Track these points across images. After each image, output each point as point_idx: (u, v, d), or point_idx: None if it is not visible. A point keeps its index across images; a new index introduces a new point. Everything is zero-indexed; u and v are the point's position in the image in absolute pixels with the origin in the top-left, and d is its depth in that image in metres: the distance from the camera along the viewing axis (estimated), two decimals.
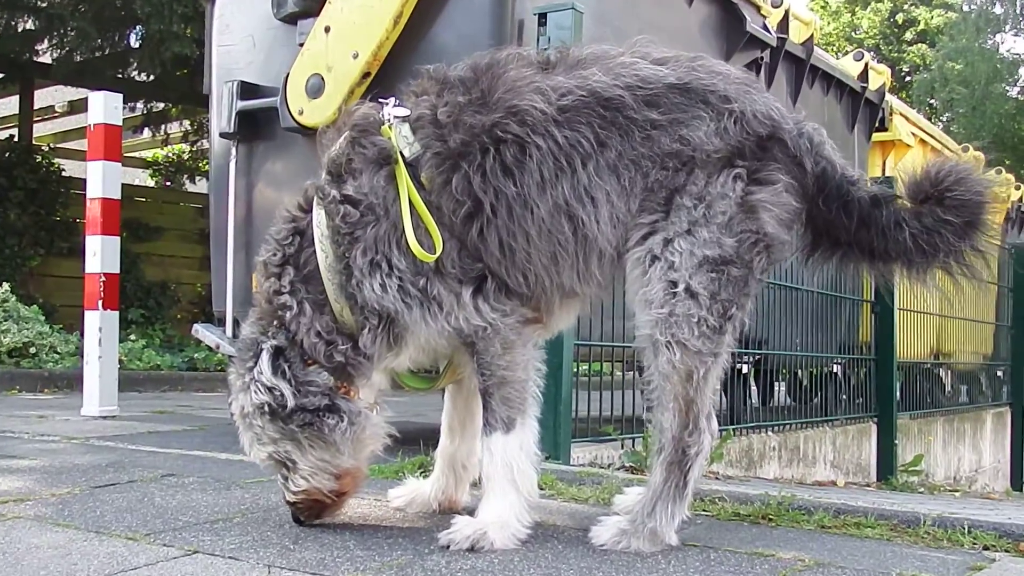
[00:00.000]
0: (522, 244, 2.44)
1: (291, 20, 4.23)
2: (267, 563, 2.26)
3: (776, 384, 6.01)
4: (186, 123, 14.75)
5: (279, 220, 2.65)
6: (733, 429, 4.91)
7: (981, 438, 8.46)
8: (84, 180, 12.44)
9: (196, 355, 9.48)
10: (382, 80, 3.95)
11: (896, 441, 6.25)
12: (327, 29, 3.98)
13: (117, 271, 5.41)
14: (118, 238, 5.42)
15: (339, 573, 2.19)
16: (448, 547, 2.40)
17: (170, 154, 16.37)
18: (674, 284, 2.41)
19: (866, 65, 6.72)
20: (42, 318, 8.98)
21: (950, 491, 6.15)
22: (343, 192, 2.50)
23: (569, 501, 3.04)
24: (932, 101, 28.58)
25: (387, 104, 2.57)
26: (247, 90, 4.32)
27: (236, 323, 4.37)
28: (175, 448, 4.15)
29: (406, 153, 2.49)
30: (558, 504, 2.98)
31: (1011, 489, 8.29)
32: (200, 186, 15.16)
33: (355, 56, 3.92)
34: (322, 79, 3.95)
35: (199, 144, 14.97)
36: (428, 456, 3.47)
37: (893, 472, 6.14)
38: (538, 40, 3.69)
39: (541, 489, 3.21)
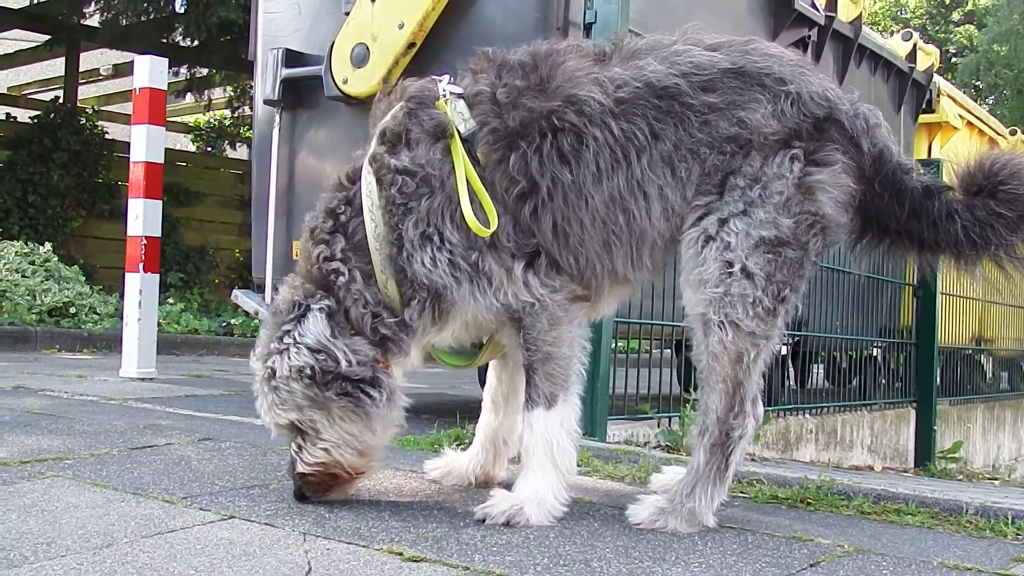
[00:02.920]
0: (576, 230, 2.45)
1: None
2: (303, 531, 2.27)
3: (814, 366, 5.95)
4: (229, 89, 14.80)
5: (329, 188, 2.64)
6: (771, 411, 4.87)
7: (1022, 426, 8.35)
8: (127, 143, 12.62)
9: (233, 320, 9.55)
10: (427, 51, 3.93)
11: (935, 427, 6.17)
12: None
13: (158, 235, 5.44)
14: (160, 202, 5.44)
15: (374, 543, 2.19)
16: (484, 521, 2.40)
17: (212, 119, 16.47)
18: (730, 264, 2.39)
19: (914, 45, 6.60)
20: (82, 279, 9.08)
21: (989, 479, 6.08)
22: (400, 162, 2.49)
23: (605, 479, 3.02)
24: (977, 83, 28.07)
25: (441, 80, 2.56)
26: (292, 58, 4.29)
27: (276, 290, 4.36)
28: (211, 412, 4.17)
29: (461, 129, 2.48)
30: (594, 482, 2.96)
31: None
32: (241, 152, 15.25)
33: (400, 26, 3.89)
34: (367, 48, 3.93)
35: (241, 111, 15.02)
36: (464, 428, 3.47)
37: (931, 458, 6.07)
38: (584, 14, 3.65)
39: (578, 466, 3.21)
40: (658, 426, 4.10)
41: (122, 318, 8.46)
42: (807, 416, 5.21)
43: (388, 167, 2.50)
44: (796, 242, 2.41)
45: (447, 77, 2.60)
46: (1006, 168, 2.44)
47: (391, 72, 3.91)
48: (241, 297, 4.47)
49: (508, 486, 2.73)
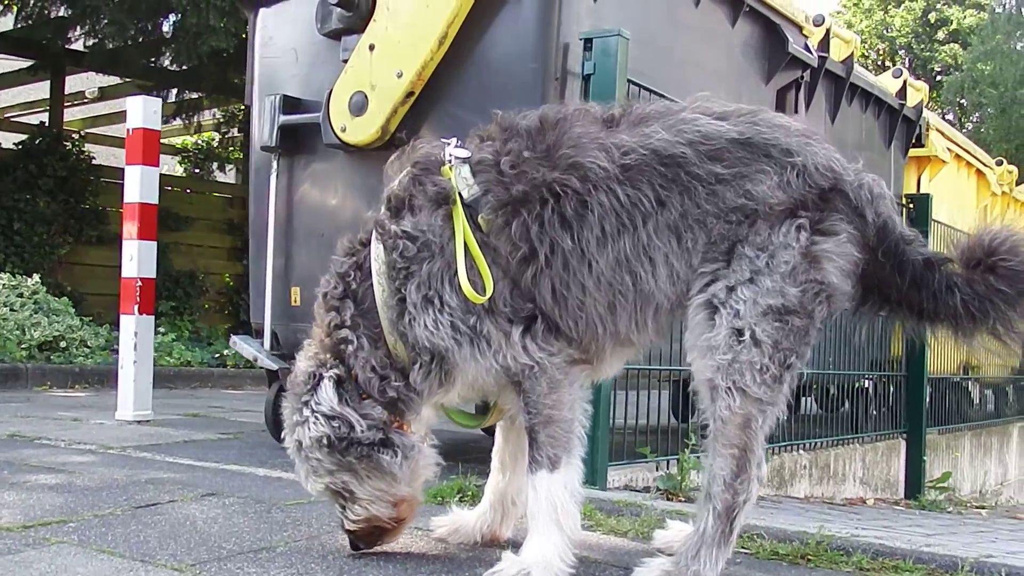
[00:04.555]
0: (576, 293, 2.48)
1: (335, 36, 4.22)
2: None
3: (804, 398, 5.99)
4: (218, 112, 14.80)
5: (339, 252, 2.69)
6: (767, 448, 4.91)
7: (1007, 451, 8.42)
8: (114, 168, 12.61)
9: (226, 351, 9.54)
10: (425, 100, 3.97)
11: (925, 457, 6.23)
12: (371, 47, 3.99)
13: (153, 276, 5.45)
14: (155, 243, 5.46)
15: None
16: None
17: (199, 141, 16.44)
18: (740, 332, 2.42)
19: (904, 82, 6.69)
20: (72, 311, 9.06)
21: (977, 507, 6.13)
22: (401, 227, 2.53)
23: (608, 534, 3.05)
24: (962, 101, 28.32)
25: (449, 144, 2.60)
26: (290, 104, 4.32)
27: (274, 335, 4.40)
28: (212, 462, 4.18)
29: (465, 194, 2.52)
30: (597, 537, 2.99)
31: None
32: (230, 176, 15.22)
33: (399, 75, 3.92)
34: (365, 97, 3.96)
35: (229, 134, 15.01)
36: (467, 479, 3.49)
37: (921, 488, 6.12)
38: (583, 66, 3.69)
39: (581, 519, 3.24)
40: (656, 469, 4.13)
41: (114, 351, 8.53)
42: (801, 452, 5.25)
43: (390, 232, 2.55)
44: (802, 310, 2.44)
45: (454, 141, 2.64)
46: (1005, 244, 2.48)
47: (390, 121, 3.94)
48: (240, 344, 4.48)
49: (515, 545, 2.77)
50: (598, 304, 2.50)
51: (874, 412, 6.50)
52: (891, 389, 6.47)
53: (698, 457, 4.02)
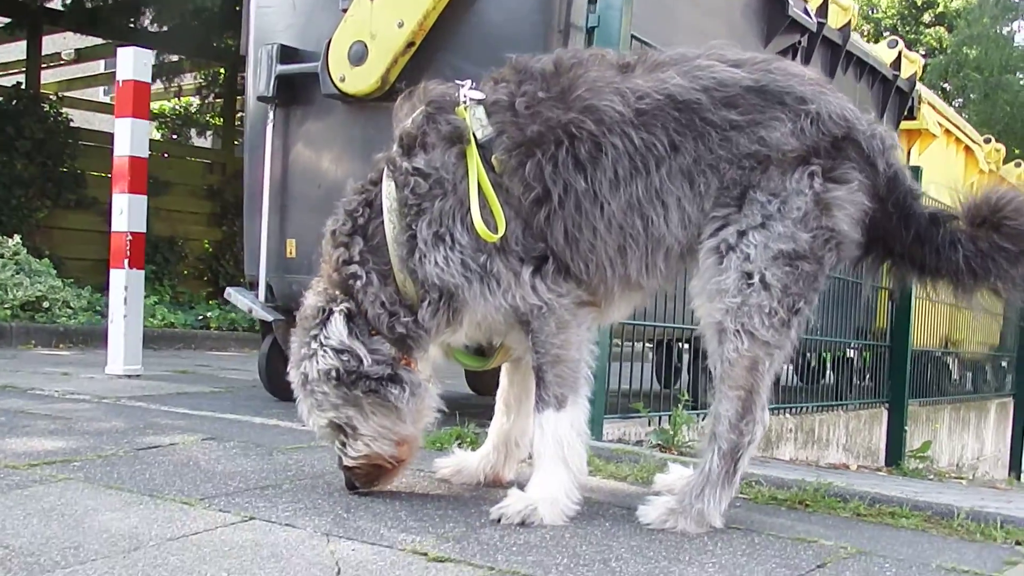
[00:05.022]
0: (587, 236, 2.51)
1: None
2: (324, 532, 2.31)
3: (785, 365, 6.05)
4: (198, 76, 14.65)
5: (349, 191, 2.71)
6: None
7: (984, 427, 8.55)
8: (91, 131, 12.47)
9: (209, 314, 9.51)
10: (426, 51, 3.96)
11: (906, 427, 6.32)
12: None
13: (144, 230, 5.42)
14: (145, 197, 5.43)
15: (397, 543, 2.24)
16: (499, 520, 2.46)
17: (177, 107, 16.27)
18: (749, 275, 2.46)
19: (899, 53, 6.72)
20: (53, 272, 8.98)
21: (956, 478, 6.22)
22: (413, 164, 2.55)
23: (608, 478, 3.09)
24: (945, 85, 28.42)
25: (463, 86, 2.62)
26: (286, 54, 4.30)
27: (269, 288, 4.40)
28: (207, 411, 4.18)
29: (479, 135, 2.54)
30: (599, 481, 3.03)
31: (1012, 478, 8.37)
32: (209, 141, 15.09)
33: (400, 25, 3.92)
34: (365, 47, 3.95)
35: (209, 98, 14.87)
36: (464, 427, 3.52)
37: (902, 457, 6.21)
38: (587, 18, 3.70)
39: None
40: (648, 424, 4.17)
41: (100, 312, 8.48)
42: (787, 416, 5.32)
43: (402, 169, 2.57)
44: (812, 256, 2.48)
45: (469, 82, 2.66)
46: (1011, 204, 2.53)
47: (390, 71, 3.94)
48: (234, 295, 4.47)
49: (519, 487, 2.80)
50: (608, 247, 2.53)
51: (857, 381, 6.58)
52: (873, 358, 6.55)
53: (691, 413, 4.08)
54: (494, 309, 2.55)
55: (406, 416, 2.61)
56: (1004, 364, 9.59)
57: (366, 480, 2.70)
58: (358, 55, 3.96)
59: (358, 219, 2.64)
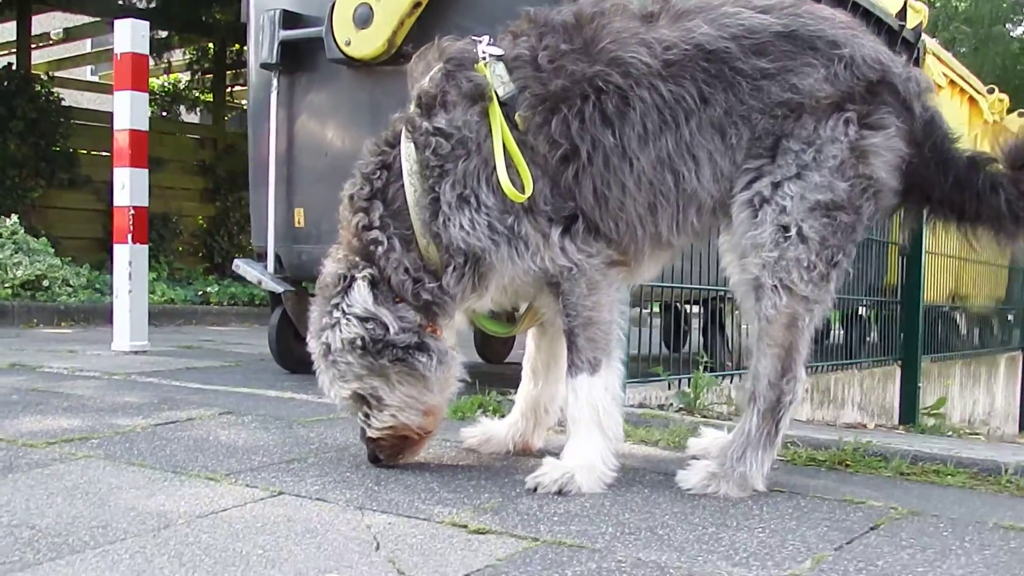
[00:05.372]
0: (617, 193, 2.43)
1: None
2: (357, 505, 2.24)
3: None
4: (188, 52, 14.47)
5: (366, 154, 2.61)
6: None
7: (995, 382, 8.50)
8: (83, 110, 12.32)
9: (209, 289, 9.41)
10: (432, 11, 3.85)
11: (920, 384, 6.26)
12: None
13: (146, 204, 5.32)
14: (146, 171, 5.32)
15: (434, 516, 2.17)
16: (536, 490, 2.39)
17: (166, 83, 16.08)
18: (786, 228, 2.38)
19: (905, 3, 6.60)
20: (51, 251, 8.88)
21: (971, 434, 6.18)
22: (434, 124, 2.46)
23: (639, 444, 3.02)
24: (935, 38, 28.18)
25: (481, 41, 2.52)
26: (289, 19, 4.18)
27: (278, 259, 4.30)
28: (219, 385, 4.11)
29: (500, 92, 2.46)
30: (630, 447, 2.96)
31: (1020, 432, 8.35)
32: (198, 116, 14.92)
33: None
34: (370, 9, 3.83)
35: (199, 74, 14.69)
36: (486, 395, 3.45)
37: (916, 415, 6.15)
38: None
39: None
40: (668, 387, 4.10)
41: (100, 290, 8.39)
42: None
43: (422, 129, 2.48)
44: (850, 206, 2.40)
45: (487, 38, 2.56)
46: None
47: (396, 33, 3.82)
48: (243, 267, 4.37)
49: (546, 455, 2.73)
50: (639, 204, 2.45)
51: (869, 339, 6.51)
52: (885, 316, 6.48)
53: (712, 376, 4.01)
54: (522, 272, 2.48)
55: (433, 385, 2.53)
56: (1010, 318, 9.54)
57: (392, 452, 2.62)
58: (363, 18, 3.85)
59: (376, 183, 2.55)
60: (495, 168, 2.41)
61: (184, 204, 13.31)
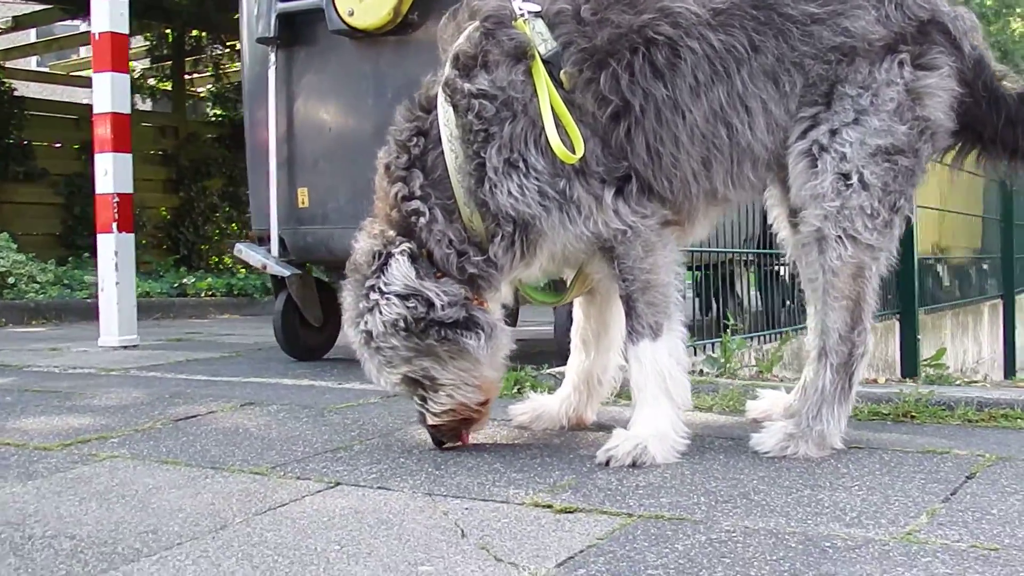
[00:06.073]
0: (670, 148, 2.33)
1: None
2: (425, 492, 2.11)
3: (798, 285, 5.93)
4: (147, 38, 14.06)
5: (399, 120, 2.47)
6: (789, 331, 4.83)
7: (980, 330, 8.53)
8: (36, 100, 11.92)
9: (185, 280, 9.17)
10: None
11: (919, 336, 6.23)
12: None
13: (131, 191, 5.10)
14: (130, 156, 5.10)
15: (511, 498, 2.04)
16: (608, 463, 2.28)
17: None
18: (847, 176, 2.29)
19: None
20: (14, 246, 8.58)
21: (971, 383, 6.16)
22: (476, 86, 2.32)
23: (693, 411, 2.90)
24: None
25: None
26: None
27: (281, 242, 4.13)
28: (228, 376, 3.94)
29: (541, 50, 2.33)
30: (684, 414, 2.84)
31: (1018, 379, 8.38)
32: (161, 105, 14.53)
33: None
34: None
35: (157, 63, 14.30)
36: (522, 371, 3.32)
37: (917, 367, 6.12)
38: None
39: None
40: (694, 353, 4.00)
41: (69, 286, 8.10)
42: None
43: (463, 92, 2.33)
44: (910, 149, 2.32)
45: None
46: None
47: (402, 2, 3.66)
48: (245, 251, 4.19)
49: (601, 428, 2.62)
50: (692, 159, 2.34)
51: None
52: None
53: (743, 338, 3.92)
54: (575, 238, 2.35)
55: (484, 359, 2.39)
56: (985, 267, 9.58)
57: (453, 434, 2.49)
58: None
59: (414, 150, 2.40)
60: (543, 129, 2.28)
61: (146, 196, 12.95)
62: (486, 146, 2.32)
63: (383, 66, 3.85)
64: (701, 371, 3.69)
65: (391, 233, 2.38)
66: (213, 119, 13.94)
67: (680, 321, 2.40)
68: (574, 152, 2.27)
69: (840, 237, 2.31)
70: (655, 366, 2.35)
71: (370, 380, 2.47)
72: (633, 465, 2.26)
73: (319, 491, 2.15)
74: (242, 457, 2.47)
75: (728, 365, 3.68)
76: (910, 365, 6.18)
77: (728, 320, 3.96)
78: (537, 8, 2.39)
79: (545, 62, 2.32)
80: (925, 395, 2.76)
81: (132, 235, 5.11)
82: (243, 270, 10.44)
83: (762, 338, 4.75)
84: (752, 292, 5.57)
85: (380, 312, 2.32)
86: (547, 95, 2.29)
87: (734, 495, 2.01)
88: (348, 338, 2.47)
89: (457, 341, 2.33)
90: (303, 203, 4.05)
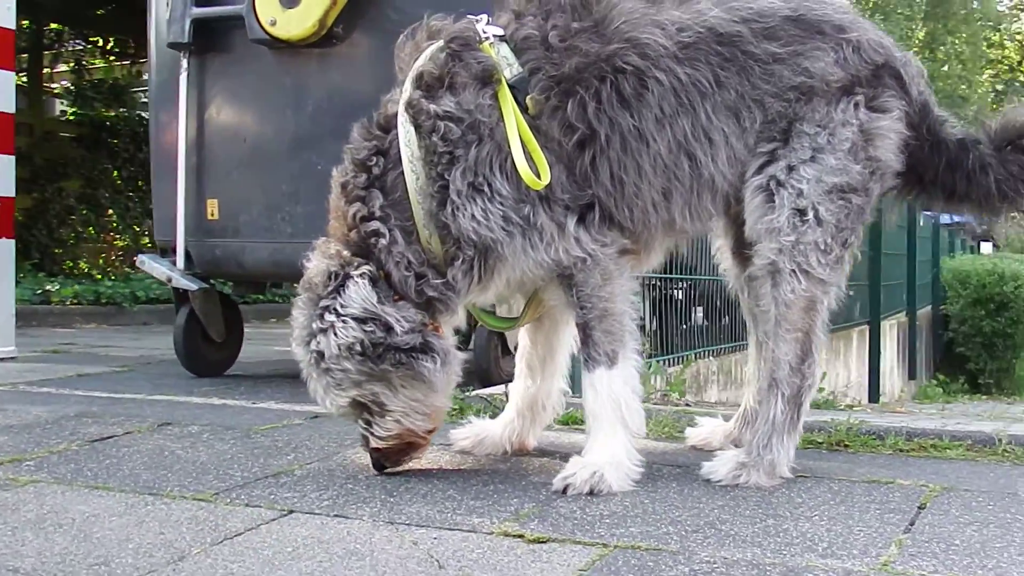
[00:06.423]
0: (633, 177, 2.34)
1: None
2: (387, 520, 2.06)
3: (694, 308, 6.07)
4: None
5: (356, 138, 2.40)
6: (689, 355, 4.93)
7: (850, 355, 8.89)
8: None
9: (48, 287, 8.72)
10: None
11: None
12: None
13: (12, 194, 4.83)
14: (12, 157, 4.82)
15: (478, 527, 2.01)
16: (565, 491, 2.26)
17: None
18: (803, 212, 2.34)
19: None
20: None
21: (848, 407, 6.41)
22: (442, 108, 2.28)
23: None
24: None
25: (479, 20, 2.37)
26: None
27: (187, 255, 3.97)
28: (130, 393, 3.76)
29: (506, 74, 2.31)
30: None
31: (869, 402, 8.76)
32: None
33: None
34: None
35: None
36: (461, 394, 3.29)
37: None
38: None
39: (581, 424, 3.10)
40: None
41: None
42: (711, 358, 5.31)
43: (428, 113, 2.30)
44: (862, 188, 2.40)
45: (485, 17, 2.41)
46: None
47: (328, 13, 3.57)
48: (148, 263, 4.00)
49: (543, 453, 2.63)
50: (654, 189, 2.37)
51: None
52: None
53: (658, 362, 3.97)
54: (535, 264, 2.34)
55: (438, 386, 2.36)
56: (851, 293, 10.01)
57: (396, 459, 2.44)
58: None
59: (373, 169, 2.35)
60: (509, 154, 2.27)
61: None
62: (450, 168, 2.28)
63: (304, 78, 3.75)
64: (662, 395, 3.72)
65: (347, 254, 2.33)
66: (72, 118, 13.35)
67: (634, 349, 2.41)
68: (540, 178, 2.26)
69: (794, 271, 2.36)
70: (611, 394, 2.35)
71: (314, 401, 2.40)
72: (591, 493, 2.25)
73: (273, 519, 2.07)
74: (178, 482, 2.36)
75: (648, 390, 3.72)
76: None
77: (644, 345, 4.01)
78: (500, 32, 2.38)
79: (511, 86, 2.31)
80: (855, 425, 2.84)
81: (12, 240, 4.83)
82: (105, 278, 10.01)
83: (666, 361, 4.83)
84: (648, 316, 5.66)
85: (335, 334, 2.26)
86: (514, 120, 2.27)
87: (701, 524, 2.03)
88: (295, 356, 2.39)
89: (412, 367, 2.29)
90: (212, 215, 3.91)
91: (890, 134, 2.41)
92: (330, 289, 2.30)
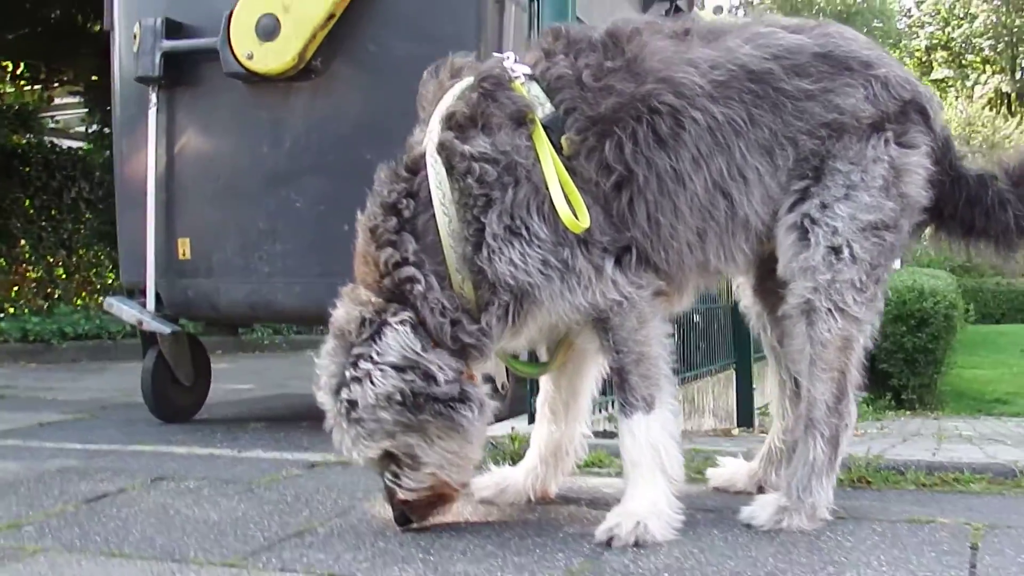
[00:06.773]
0: (670, 219, 2.31)
1: None
2: None
3: None
4: None
5: (383, 180, 2.32)
6: None
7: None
8: None
9: None
10: (346, 23, 3.53)
11: (754, 386, 6.49)
12: None
13: None
14: None
15: None
16: (610, 543, 2.20)
17: None
18: (838, 250, 2.33)
19: None
20: None
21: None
22: (476, 148, 2.22)
23: None
24: None
25: (507, 59, 2.32)
26: (172, 28, 3.69)
27: (158, 296, 3.80)
28: (103, 444, 3.57)
29: (538, 114, 2.25)
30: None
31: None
32: None
33: None
34: (277, 20, 3.44)
35: None
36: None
37: (752, 416, 6.37)
38: None
39: (598, 467, 3.05)
40: (599, 411, 3.97)
41: None
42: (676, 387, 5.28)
43: (462, 154, 2.23)
44: (895, 225, 2.39)
45: (512, 56, 2.36)
46: None
47: (307, 47, 3.47)
48: (116, 306, 3.82)
49: (565, 500, 2.59)
50: (689, 230, 2.34)
51: (702, 345, 6.67)
52: (711, 321, 6.65)
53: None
54: (571, 308, 2.28)
55: (473, 437, 2.29)
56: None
57: (425, 512, 2.35)
58: (268, 29, 3.46)
59: (403, 212, 2.27)
60: (547, 196, 2.21)
61: None
62: (486, 211, 2.22)
63: (281, 112, 3.64)
64: (605, 431, 3.67)
65: (379, 300, 2.24)
66: None
67: (671, 394, 2.37)
68: (579, 220, 2.21)
69: (831, 310, 2.34)
70: (649, 440, 2.30)
71: (339, 452, 2.30)
72: (636, 544, 2.19)
73: None
74: (198, 546, 2.23)
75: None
76: (745, 413, 6.43)
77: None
78: (528, 71, 2.32)
79: (544, 127, 2.26)
80: (873, 460, 2.84)
81: None
82: (20, 312, 9.61)
83: None
84: None
85: (372, 383, 2.17)
86: (551, 162, 2.22)
87: (760, 574, 1.99)
88: (321, 405, 2.29)
89: (451, 417, 2.21)
90: (184, 254, 3.76)
91: (919, 170, 2.42)
92: (364, 336, 2.21)
